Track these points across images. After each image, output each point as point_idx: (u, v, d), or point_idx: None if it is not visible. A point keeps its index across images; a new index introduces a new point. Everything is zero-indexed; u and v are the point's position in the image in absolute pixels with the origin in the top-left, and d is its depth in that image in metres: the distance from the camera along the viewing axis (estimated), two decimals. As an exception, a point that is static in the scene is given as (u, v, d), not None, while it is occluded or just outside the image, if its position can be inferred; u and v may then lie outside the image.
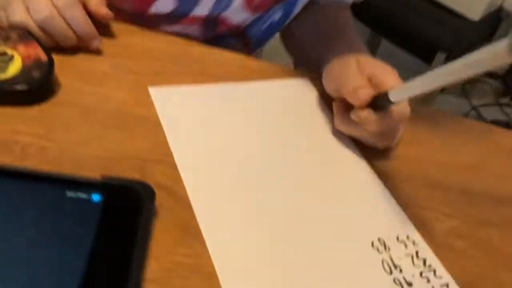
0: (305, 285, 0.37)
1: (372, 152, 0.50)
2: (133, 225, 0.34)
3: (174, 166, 0.42)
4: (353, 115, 0.47)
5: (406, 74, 0.46)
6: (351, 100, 0.47)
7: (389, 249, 0.41)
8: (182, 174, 0.42)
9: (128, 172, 0.41)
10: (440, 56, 1.55)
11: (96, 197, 0.35)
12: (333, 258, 0.39)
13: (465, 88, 1.99)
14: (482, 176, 0.52)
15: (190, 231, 0.38)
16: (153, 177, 0.41)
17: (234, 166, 0.44)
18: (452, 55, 1.52)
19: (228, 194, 0.42)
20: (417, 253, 0.42)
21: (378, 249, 0.41)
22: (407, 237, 0.43)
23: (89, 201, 0.34)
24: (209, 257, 0.37)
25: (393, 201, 0.46)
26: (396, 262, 0.40)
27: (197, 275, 0.35)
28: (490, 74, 2.00)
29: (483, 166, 0.54)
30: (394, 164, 0.50)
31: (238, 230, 0.39)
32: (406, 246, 0.42)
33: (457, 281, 0.40)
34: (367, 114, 0.45)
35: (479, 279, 0.41)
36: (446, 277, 0.40)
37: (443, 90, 1.89)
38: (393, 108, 0.45)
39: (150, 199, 0.36)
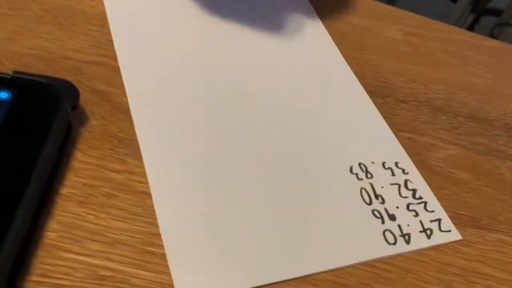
0: (254, 211, 0.30)
1: (365, 66, 0.42)
2: (46, 128, 0.28)
3: (117, 70, 0.35)
4: None
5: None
6: None
7: (371, 176, 0.34)
8: (125, 81, 0.35)
9: (60, 73, 0.34)
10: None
11: (3, 94, 0.28)
12: (299, 181, 0.32)
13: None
14: (498, 102, 0.44)
15: (125, 144, 0.31)
16: (89, 81, 0.34)
17: (189, 80, 0.37)
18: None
19: (176, 107, 0.35)
20: (406, 182, 0.34)
21: (357, 175, 0.34)
22: (396, 164, 0.35)
23: (-6, 99, 0.28)
24: (143, 174, 0.30)
25: (383, 122, 0.38)
26: (378, 191, 0.33)
27: (126, 193, 0.29)
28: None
29: (500, 91, 0.45)
30: (392, 81, 0.42)
31: (183, 148, 0.32)
32: (393, 173, 0.35)
33: (457, 216, 0.33)
34: None
35: (484, 215, 0.34)
36: (439, 212, 0.33)
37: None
38: None
39: (71, 100, 0.29)
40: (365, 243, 0.30)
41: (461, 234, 0.33)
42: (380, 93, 0.41)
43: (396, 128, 0.38)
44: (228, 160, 0.32)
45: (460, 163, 0.37)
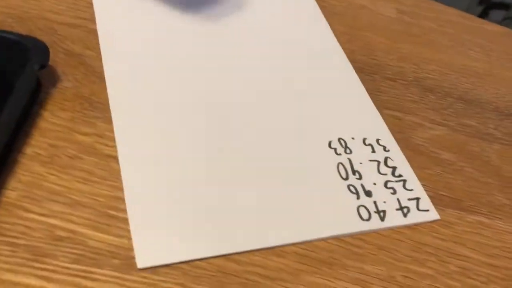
0: (224, 180, 0.29)
1: (356, 42, 0.41)
2: (10, 84, 0.27)
3: (94, 34, 0.35)
4: None
5: None
6: None
7: (350, 151, 0.33)
8: (102, 44, 0.34)
9: (34, 33, 0.33)
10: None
11: (-31, 50, 0.28)
12: (274, 152, 0.31)
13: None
14: (492, 85, 0.42)
15: (96, 107, 0.31)
16: (64, 42, 0.33)
17: (168, 49, 0.36)
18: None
19: (151, 75, 0.34)
20: (386, 159, 0.33)
21: (336, 150, 0.33)
22: (377, 141, 0.34)
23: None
24: (112, 139, 0.29)
25: (368, 99, 0.37)
26: (356, 167, 0.32)
27: (92, 156, 0.28)
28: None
29: (496, 74, 0.44)
30: (382, 59, 0.41)
31: (154, 115, 0.31)
32: (373, 150, 0.34)
33: (438, 196, 0.32)
34: None
35: (466, 196, 0.33)
36: (418, 191, 0.32)
37: None
38: None
39: (40, 59, 0.28)
40: (337, 218, 0.29)
41: (441, 215, 0.32)
42: (368, 70, 0.40)
43: (382, 106, 0.37)
44: (201, 131, 0.31)
45: (445, 143, 0.36)
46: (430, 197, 0.32)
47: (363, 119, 0.35)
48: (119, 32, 0.35)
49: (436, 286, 0.28)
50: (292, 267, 0.27)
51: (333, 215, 0.29)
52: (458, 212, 0.32)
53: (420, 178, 0.33)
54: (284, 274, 0.26)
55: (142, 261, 0.25)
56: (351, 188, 0.31)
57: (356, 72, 0.39)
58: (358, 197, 0.31)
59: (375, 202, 0.31)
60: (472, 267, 0.30)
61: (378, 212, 0.30)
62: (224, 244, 0.27)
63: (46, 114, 0.29)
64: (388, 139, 0.35)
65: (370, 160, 0.33)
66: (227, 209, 0.28)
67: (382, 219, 0.30)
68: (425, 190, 0.33)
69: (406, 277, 0.28)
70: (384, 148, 0.34)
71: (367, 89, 0.38)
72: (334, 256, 0.28)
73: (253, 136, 0.32)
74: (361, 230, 0.29)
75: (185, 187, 0.28)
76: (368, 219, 0.30)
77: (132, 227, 0.26)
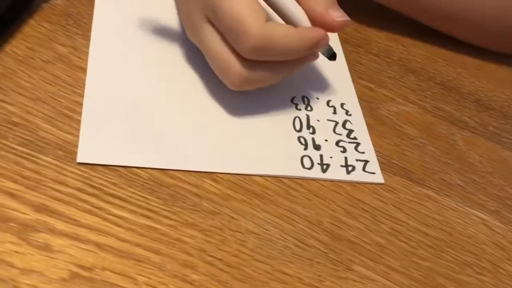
0: (180, 105, 0.31)
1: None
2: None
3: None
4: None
5: None
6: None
7: (310, 109, 0.34)
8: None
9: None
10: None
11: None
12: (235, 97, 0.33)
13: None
14: (478, 78, 0.43)
15: (79, 25, 0.33)
16: (66, -33, 0.36)
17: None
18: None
19: (138, 11, 0.35)
20: (345, 122, 0.34)
21: (296, 106, 0.34)
22: (341, 105, 0.35)
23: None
24: (86, 53, 0.32)
25: (344, 67, 0.38)
26: (312, 123, 0.33)
27: (64, 64, 0.31)
28: None
29: (486, 69, 0.44)
30: (371, 35, 0.42)
31: (130, 42, 0.34)
32: (335, 112, 0.35)
33: (388, 163, 0.33)
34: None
35: (418, 170, 0.33)
36: (369, 155, 0.33)
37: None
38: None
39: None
40: (279, 161, 0.31)
41: (388, 181, 0.32)
42: (355, 43, 0.41)
43: (357, 76, 0.38)
44: (168, 65, 0.33)
45: (413, 120, 0.37)
46: (382, 163, 0.33)
47: (333, 83, 0.36)
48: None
49: (361, 239, 0.29)
50: (224, 192, 0.28)
51: (276, 158, 0.31)
52: (407, 181, 0.33)
53: (376, 145, 0.34)
54: (214, 196, 0.28)
55: (82, 156, 0.27)
56: (301, 139, 0.32)
57: (341, 42, 0.40)
58: (305, 148, 0.32)
59: (321, 156, 0.32)
60: (405, 231, 0.30)
61: (321, 164, 0.31)
62: (161, 159, 0.28)
63: (32, 22, 0.32)
64: (354, 106, 0.36)
65: (329, 120, 0.34)
66: (174, 131, 0.30)
67: (324, 171, 0.31)
68: (378, 156, 0.33)
69: (334, 224, 0.29)
70: (347, 112, 0.35)
71: (347, 59, 0.39)
72: (268, 192, 0.29)
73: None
74: (299, 176, 0.30)
75: (139, 106, 0.30)
76: (309, 168, 0.31)
77: (82, 127, 0.28)
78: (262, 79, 0.30)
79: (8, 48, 0.30)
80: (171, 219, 0.26)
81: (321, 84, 0.36)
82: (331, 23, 0.30)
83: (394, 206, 0.31)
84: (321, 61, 0.33)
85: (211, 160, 0.29)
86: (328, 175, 0.31)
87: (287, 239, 0.28)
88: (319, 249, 0.28)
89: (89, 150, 0.27)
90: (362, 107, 0.36)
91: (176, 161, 0.29)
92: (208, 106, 0.32)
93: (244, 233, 0.27)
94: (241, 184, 0.29)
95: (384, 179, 0.32)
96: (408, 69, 0.41)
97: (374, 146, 0.34)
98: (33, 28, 0.32)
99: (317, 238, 0.28)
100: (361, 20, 0.43)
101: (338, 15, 0.30)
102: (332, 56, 0.32)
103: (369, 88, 0.38)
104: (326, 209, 0.30)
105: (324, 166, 0.31)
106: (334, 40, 0.40)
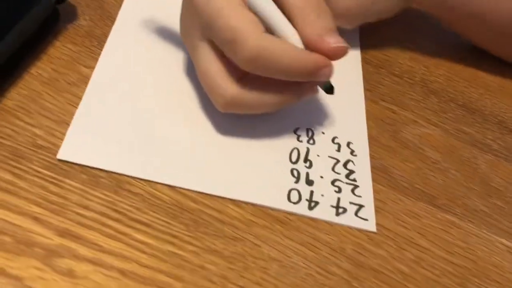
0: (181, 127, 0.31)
1: (372, 36, 0.42)
2: (26, 8, 0.30)
3: (120, -15, 0.37)
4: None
5: None
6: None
7: (313, 142, 0.33)
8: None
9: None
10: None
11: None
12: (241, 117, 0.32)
13: None
14: (501, 99, 0.42)
15: (104, 46, 0.33)
16: (90, -13, 0.36)
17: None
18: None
19: (157, 40, 0.35)
20: (347, 162, 0.33)
21: (298, 137, 0.33)
22: (348, 144, 0.34)
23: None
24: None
25: (361, 97, 0.37)
26: (311, 157, 0.32)
27: (74, 73, 0.31)
28: None
29: (508, 90, 0.43)
30: (393, 56, 0.42)
31: (142, 65, 0.33)
32: (339, 150, 0.33)
33: (411, 188, 0.32)
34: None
35: (442, 195, 0.33)
36: (366, 200, 0.31)
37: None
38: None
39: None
40: (265, 190, 0.30)
41: (410, 206, 0.32)
42: (376, 63, 0.41)
43: (379, 98, 0.38)
44: (180, 87, 0.33)
45: (435, 143, 0.36)
46: (405, 188, 0.33)
47: (344, 119, 0.35)
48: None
49: (385, 267, 0.29)
50: (247, 217, 0.28)
51: (262, 186, 0.30)
52: (430, 207, 0.32)
53: (400, 169, 0.34)
54: (236, 222, 0.28)
55: (63, 154, 0.27)
56: (294, 171, 0.31)
57: (363, 63, 0.40)
58: (296, 181, 0.30)
59: (311, 192, 0.30)
60: (429, 259, 0.30)
61: (309, 200, 0.30)
62: (149, 170, 0.28)
63: (57, 43, 0.32)
64: (361, 146, 0.34)
65: (330, 157, 0.33)
66: (169, 146, 0.30)
67: (311, 208, 0.30)
68: (401, 181, 0.33)
69: (357, 251, 0.29)
70: (352, 151, 0.33)
71: (369, 81, 0.39)
72: (290, 218, 0.29)
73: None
74: (283, 209, 0.29)
75: (138, 117, 0.30)
76: (295, 203, 0.29)
77: (70, 127, 0.29)
78: (251, 103, 0.29)
79: (33, 70, 0.30)
80: (194, 245, 0.26)
81: (330, 118, 0.35)
82: (325, 49, 0.28)
83: (418, 232, 0.31)
84: (339, 89, 0.32)
85: (198, 178, 0.29)
86: (314, 213, 0.29)
87: (310, 267, 0.27)
88: (342, 277, 0.27)
89: (71, 149, 0.27)
90: (385, 130, 0.36)
91: (163, 175, 0.28)
92: (205, 124, 0.31)
93: (267, 260, 0.27)
94: (264, 210, 0.29)
95: (407, 204, 0.32)
96: (430, 90, 0.40)
97: (397, 169, 0.33)
98: (58, 50, 0.32)
99: (340, 265, 0.28)
100: (381, 41, 0.43)
101: (334, 41, 0.28)
102: (328, 89, 0.30)
103: (391, 110, 0.37)
104: (349, 235, 0.29)
105: (312, 203, 0.30)
106: (355, 62, 0.40)
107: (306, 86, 0.30)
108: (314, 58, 0.28)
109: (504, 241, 0.32)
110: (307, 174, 0.31)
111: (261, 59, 0.27)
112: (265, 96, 0.29)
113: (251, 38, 0.26)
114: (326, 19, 0.28)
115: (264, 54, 0.27)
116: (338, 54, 0.28)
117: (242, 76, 0.29)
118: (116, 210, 0.26)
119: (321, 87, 0.31)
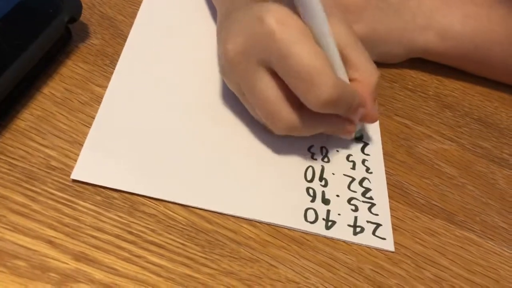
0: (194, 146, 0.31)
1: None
2: (39, 29, 0.30)
3: (131, 2, 0.37)
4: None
5: None
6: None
7: (327, 160, 0.33)
8: (139, 15, 0.37)
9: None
10: None
11: (13, -5, 0.31)
12: (251, 138, 0.32)
13: None
14: (517, 113, 0.42)
15: (116, 65, 0.33)
16: (102, 6, 0.36)
17: (199, 42, 0.37)
18: None
19: (167, 57, 0.35)
20: (362, 180, 0.32)
21: (312, 155, 0.32)
22: (363, 161, 0.33)
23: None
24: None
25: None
26: (326, 175, 0.32)
27: (87, 92, 0.31)
28: None
29: (523, 104, 0.43)
30: (405, 69, 0.41)
31: (151, 85, 0.33)
32: (354, 167, 0.33)
33: (429, 205, 0.32)
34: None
35: (460, 212, 0.32)
36: (384, 219, 0.30)
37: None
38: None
39: (72, 13, 0.31)
40: (281, 209, 0.29)
41: (428, 224, 0.31)
42: (389, 78, 0.40)
43: (393, 112, 0.38)
44: (193, 104, 0.33)
45: (452, 159, 0.36)
46: (422, 205, 0.32)
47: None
48: (159, 8, 0.38)
49: (403, 287, 0.28)
50: (262, 238, 0.28)
51: (277, 205, 0.29)
52: (448, 224, 0.32)
53: (416, 186, 0.33)
54: (252, 242, 0.27)
55: (77, 174, 0.27)
56: (310, 190, 0.31)
57: (376, 77, 0.39)
58: (312, 200, 0.30)
59: (328, 211, 0.30)
60: (449, 278, 0.29)
61: (326, 220, 0.29)
62: (153, 187, 0.28)
63: (69, 63, 0.32)
64: (377, 163, 0.34)
65: (345, 175, 0.32)
66: (176, 162, 0.29)
67: (328, 227, 0.29)
68: (418, 197, 0.32)
69: (375, 271, 0.28)
70: (367, 169, 0.33)
71: (382, 95, 0.38)
72: (307, 238, 0.28)
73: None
74: (299, 229, 0.29)
75: (151, 138, 0.30)
76: (312, 222, 0.29)
77: (84, 146, 0.28)
78: (307, 130, 0.30)
79: (46, 90, 0.30)
80: (210, 267, 0.26)
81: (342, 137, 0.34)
82: (371, 110, 0.31)
83: (436, 250, 0.30)
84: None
85: (213, 198, 0.28)
86: (331, 232, 0.29)
87: (328, 288, 0.27)
88: (361, 299, 0.27)
89: (85, 169, 0.27)
90: (400, 145, 0.35)
91: (177, 194, 0.28)
92: (219, 144, 0.31)
93: (284, 282, 0.26)
94: (280, 230, 0.28)
95: (425, 222, 0.31)
96: (444, 105, 0.40)
97: (413, 186, 0.33)
98: (70, 69, 0.32)
99: (358, 286, 0.27)
100: (394, 54, 0.42)
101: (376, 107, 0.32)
102: (360, 137, 0.35)
103: (405, 125, 0.37)
104: (367, 255, 0.29)
105: (329, 223, 0.29)
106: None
107: (347, 125, 0.32)
108: (373, 107, 0.31)
109: (525, 259, 0.31)
110: (323, 193, 0.31)
111: (336, 103, 0.28)
112: (319, 125, 0.31)
113: (330, 82, 0.27)
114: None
115: (339, 99, 0.27)
116: (375, 119, 0.33)
117: (300, 104, 0.29)
118: (130, 232, 0.26)
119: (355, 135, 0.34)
